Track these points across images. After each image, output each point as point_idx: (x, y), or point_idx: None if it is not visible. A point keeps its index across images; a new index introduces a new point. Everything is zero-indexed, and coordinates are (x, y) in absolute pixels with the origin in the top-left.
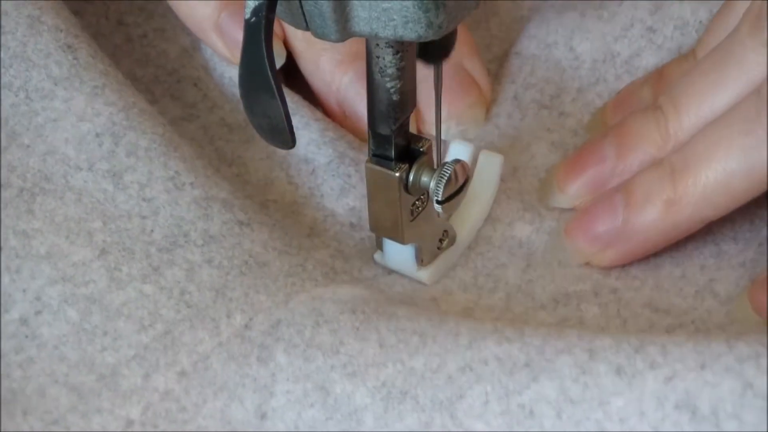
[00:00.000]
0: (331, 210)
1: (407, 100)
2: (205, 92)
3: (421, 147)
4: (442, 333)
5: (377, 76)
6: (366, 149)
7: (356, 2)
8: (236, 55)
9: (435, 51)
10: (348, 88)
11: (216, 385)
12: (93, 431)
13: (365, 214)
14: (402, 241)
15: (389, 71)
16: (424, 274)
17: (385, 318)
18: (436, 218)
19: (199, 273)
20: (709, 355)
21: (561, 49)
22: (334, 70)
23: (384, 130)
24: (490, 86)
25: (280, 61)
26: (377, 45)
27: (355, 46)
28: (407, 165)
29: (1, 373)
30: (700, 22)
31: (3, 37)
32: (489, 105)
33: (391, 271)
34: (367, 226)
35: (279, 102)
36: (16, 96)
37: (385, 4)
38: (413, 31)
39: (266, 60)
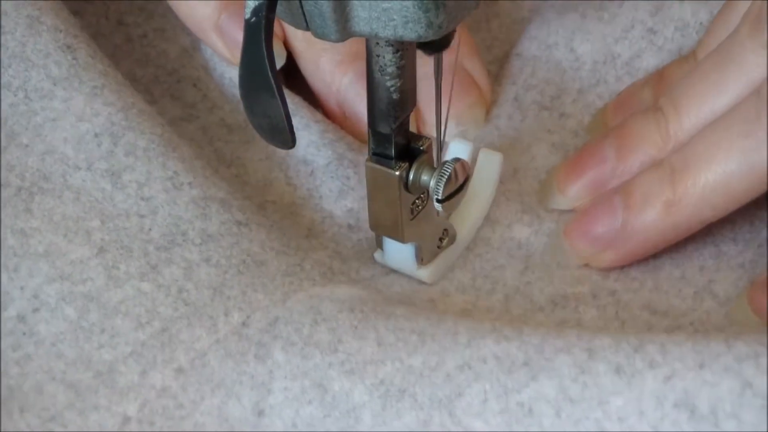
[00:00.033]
0: (330, 211)
1: (407, 98)
2: (204, 92)
3: (421, 146)
4: (440, 332)
5: (377, 75)
6: (365, 151)
7: (356, 2)
8: (236, 56)
9: (434, 42)
10: (348, 89)
11: (213, 382)
12: (90, 428)
13: (363, 215)
14: (402, 240)
15: (389, 70)
16: (424, 273)
17: (383, 317)
18: (436, 217)
19: (197, 271)
20: (708, 355)
21: (562, 50)
22: (334, 71)
23: (384, 128)
24: (491, 87)
25: (280, 61)
26: (377, 44)
27: (355, 46)
28: (407, 164)
29: None
30: (701, 23)
31: (2, 37)
32: (489, 106)
33: (389, 272)
34: (366, 228)
35: (279, 102)
36: (15, 96)
37: (385, 4)
38: (413, 31)
39: (266, 60)
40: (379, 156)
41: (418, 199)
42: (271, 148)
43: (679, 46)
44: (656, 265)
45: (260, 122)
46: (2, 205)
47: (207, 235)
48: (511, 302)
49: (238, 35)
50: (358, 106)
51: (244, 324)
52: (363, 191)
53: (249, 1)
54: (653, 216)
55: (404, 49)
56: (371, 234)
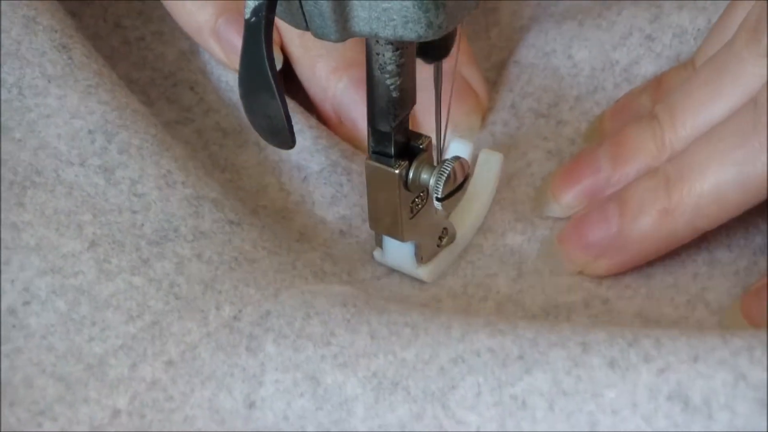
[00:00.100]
0: (322, 217)
1: (407, 97)
2: (201, 96)
3: (421, 144)
4: (434, 326)
5: (377, 73)
6: (358, 158)
7: (356, 2)
8: (233, 60)
9: (434, 50)
10: (343, 94)
11: (204, 374)
12: (80, 422)
13: (356, 222)
14: (401, 239)
15: (389, 68)
16: (424, 272)
17: (376, 311)
18: (436, 216)
19: (189, 266)
20: (703, 349)
21: (559, 57)
22: (330, 76)
23: (384, 127)
24: (487, 94)
25: (277, 66)
26: (377, 42)
27: (351, 52)
28: (407, 162)
29: None
30: (699, 30)
31: None
32: (486, 113)
33: (381, 276)
34: (358, 234)
35: (279, 102)
36: (9, 92)
37: (385, 4)
38: (413, 31)
39: (266, 60)
40: (378, 154)
41: (417, 197)
42: (265, 153)
43: (677, 52)
44: (649, 273)
45: (260, 122)
46: None
47: (199, 233)
48: (502, 310)
49: (235, 39)
50: (353, 112)
51: (235, 317)
52: (356, 198)
53: (249, 1)
54: (648, 224)
55: (404, 48)
56: (363, 239)
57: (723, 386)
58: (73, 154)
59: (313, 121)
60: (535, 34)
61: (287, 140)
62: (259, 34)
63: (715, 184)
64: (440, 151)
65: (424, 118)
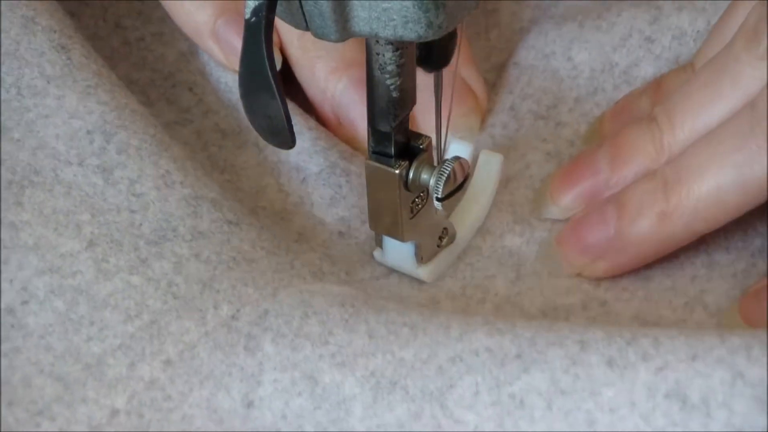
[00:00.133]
0: (321, 219)
1: (407, 97)
2: (200, 97)
3: (421, 144)
4: (432, 325)
5: (377, 73)
6: (357, 159)
7: (356, 2)
8: (232, 61)
9: (434, 58)
10: (342, 95)
11: (202, 374)
12: (78, 421)
13: (355, 224)
14: (402, 239)
15: (389, 68)
16: (424, 272)
17: (374, 311)
18: (436, 216)
19: (187, 266)
20: (701, 347)
21: (559, 59)
22: (329, 77)
23: (384, 127)
24: (487, 95)
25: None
26: (377, 42)
27: (350, 53)
28: (407, 162)
29: None
30: (698, 32)
31: None
32: (485, 114)
33: (379, 277)
34: (356, 235)
35: (279, 102)
36: (8, 92)
37: (385, 4)
38: (413, 31)
39: (266, 60)
40: (378, 154)
41: (417, 197)
42: (264, 154)
43: (677, 54)
44: (647, 275)
45: (260, 122)
46: None
47: (198, 232)
48: (501, 312)
49: (234, 40)
50: (352, 113)
51: (233, 317)
52: (354, 200)
53: (249, 1)
54: (646, 227)
55: (404, 48)
56: (362, 240)
57: (721, 384)
58: (72, 154)
59: (312, 122)
60: (534, 36)
61: (287, 140)
62: (259, 34)
63: (713, 186)
64: (440, 155)
65: (423, 118)
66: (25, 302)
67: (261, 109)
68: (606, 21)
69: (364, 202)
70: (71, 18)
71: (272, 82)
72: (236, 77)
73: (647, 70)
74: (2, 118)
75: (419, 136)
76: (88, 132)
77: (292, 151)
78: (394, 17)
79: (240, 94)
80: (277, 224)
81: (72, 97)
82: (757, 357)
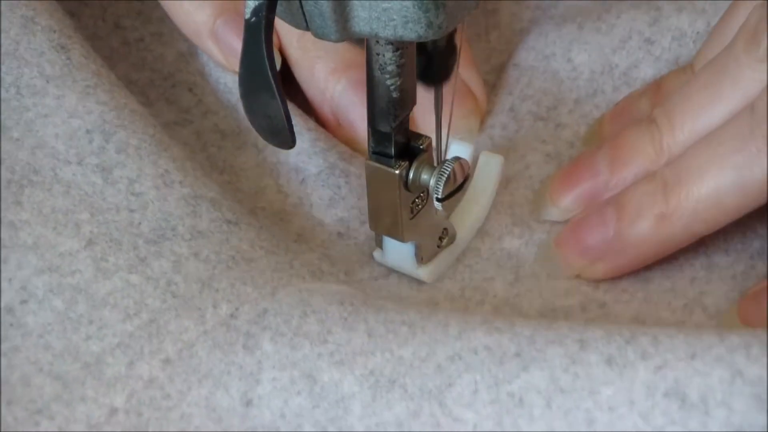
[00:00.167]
0: (320, 220)
1: (407, 97)
2: (200, 97)
3: (421, 144)
4: (431, 324)
5: (377, 73)
6: (356, 160)
7: (356, 2)
8: (231, 62)
9: (435, 73)
10: (341, 96)
11: (201, 372)
12: (77, 420)
13: (354, 224)
14: (402, 239)
15: (389, 68)
16: (424, 272)
17: (373, 309)
18: (436, 216)
19: (186, 265)
20: (700, 346)
21: (559, 60)
22: (328, 78)
23: (384, 127)
24: (486, 97)
25: None
26: (377, 42)
27: (349, 54)
28: (407, 162)
29: None
30: (698, 33)
31: None
32: (485, 116)
33: (378, 277)
34: (356, 236)
35: (279, 102)
36: (7, 92)
37: (385, 4)
38: (413, 31)
39: (266, 60)
40: (379, 155)
41: (417, 198)
42: (263, 155)
43: (676, 55)
44: (647, 277)
45: (260, 122)
46: None
47: (197, 232)
48: (499, 314)
49: (234, 41)
50: (352, 114)
51: (232, 315)
52: (354, 200)
53: (249, 1)
54: (645, 228)
55: (404, 48)
56: (361, 241)
57: (720, 383)
58: (71, 153)
59: (312, 123)
60: (534, 37)
61: (287, 140)
62: (259, 34)
63: (713, 188)
64: (440, 156)
65: (423, 119)
66: (24, 301)
67: (261, 109)
68: (606, 23)
69: (364, 203)
70: (71, 18)
71: (272, 82)
72: (236, 78)
73: (647, 72)
74: (2, 117)
75: (419, 136)
76: (88, 131)
77: (291, 152)
78: (394, 17)
79: (240, 94)
80: (276, 225)
81: (71, 97)
82: (757, 356)
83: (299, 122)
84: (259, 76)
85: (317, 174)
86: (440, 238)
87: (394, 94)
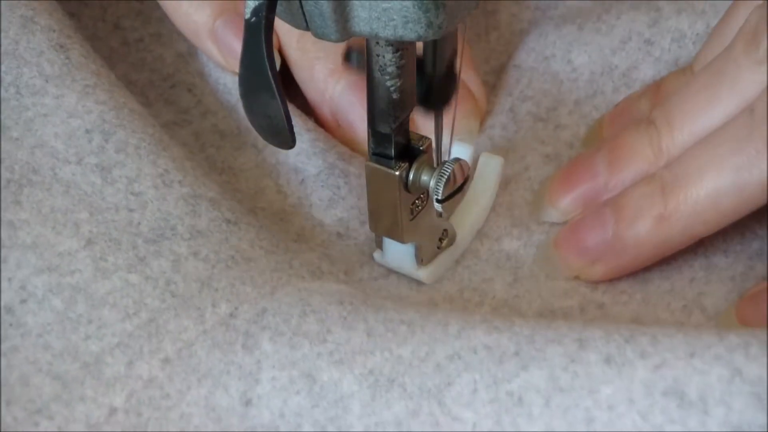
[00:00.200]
0: (320, 220)
1: (407, 98)
2: (199, 98)
3: (421, 145)
4: (430, 323)
5: (377, 75)
6: (356, 161)
7: (356, 2)
8: (231, 62)
9: (435, 99)
10: (341, 97)
11: (200, 372)
12: (77, 420)
13: (353, 225)
14: (402, 240)
15: (389, 70)
16: (424, 273)
17: (373, 309)
18: (436, 217)
19: (185, 265)
20: (699, 345)
21: (559, 61)
22: (327, 79)
23: (384, 128)
24: (486, 97)
25: None
26: (377, 43)
27: None
28: (407, 164)
29: None
30: (697, 34)
31: None
32: (484, 116)
33: (377, 277)
34: (355, 236)
35: (279, 102)
36: (6, 91)
37: (385, 4)
38: (413, 31)
39: (266, 60)
40: (379, 156)
41: (417, 199)
42: (262, 155)
43: (676, 57)
44: (645, 278)
45: (260, 122)
46: None
47: (196, 231)
48: (498, 315)
49: (233, 42)
50: (351, 115)
51: (231, 315)
52: (353, 201)
53: (249, 1)
54: (644, 230)
55: (404, 49)
56: (361, 242)
57: (719, 382)
58: (70, 152)
59: (311, 123)
60: (534, 38)
61: (287, 140)
62: (259, 34)
63: (711, 190)
64: (440, 157)
65: (423, 120)
66: (23, 301)
67: (261, 109)
68: (605, 24)
69: (363, 203)
70: (70, 18)
71: (272, 81)
72: (235, 78)
73: (647, 73)
74: (1, 117)
75: (419, 137)
76: (87, 131)
77: (290, 153)
78: (394, 17)
79: (240, 94)
80: (276, 225)
81: (71, 97)
82: (756, 354)
83: (299, 123)
84: (259, 76)
85: (317, 174)
86: (440, 240)
87: (394, 96)
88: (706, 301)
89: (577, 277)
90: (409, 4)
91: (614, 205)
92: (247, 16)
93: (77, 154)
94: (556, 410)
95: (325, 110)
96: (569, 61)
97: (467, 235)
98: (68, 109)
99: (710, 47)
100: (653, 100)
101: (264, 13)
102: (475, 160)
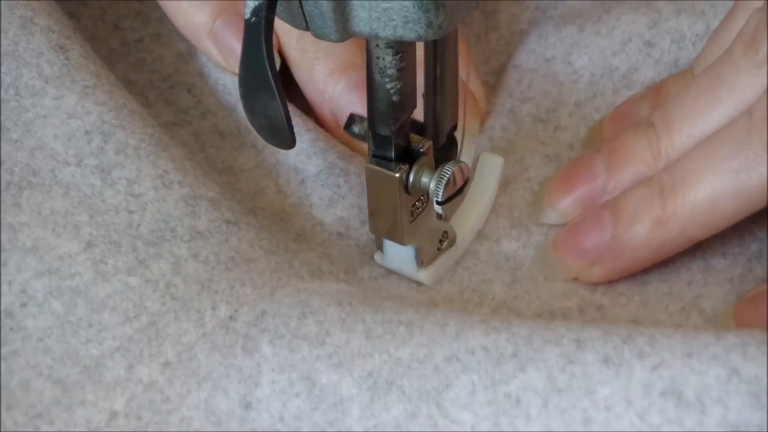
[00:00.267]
0: (320, 220)
1: (407, 100)
2: (198, 98)
3: (421, 147)
4: (429, 324)
5: (377, 77)
6: (356, 160)
7: (356, 2)
8: (230, 63)
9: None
10: (340, 97)
11: (200, 375)
12: (77, 424)
13: (354, 224)
14: (402, 242)
15: (389, 72)
16: (424, 275)
17: (371, 309)
18: (436, 219)
19: (185, 267)
20: (697, 345)
21: (559, 63)
22: (327, 79)
23: (384, 130)
24: (486, 98)
25: None
26: (377, 46)
27: (348, 54)
28: (407, 166)
29: None
30: (697, 35)
31: None
32: (484, 117)
33: (378, 277)
34: (355, 236)
35: (279, 102)
36: (6, 92)
37: (385, 4)
38: (413, 31)
39: (266, 60)
40: (379, 158)
41: (418, 201)
42: (262, 155)
43: (676, 58)
44: (644, 280)
45: (260, 122)
46: None
47: (196, 232)
48: (497, 316)
49: (233, 42)
50: None
51: (231, 317)
52: (353, 200)
53: (249, 1)
54: (642, 232)
55: (404, 51)
56: (362, 242)
57: (716, 381)
58: (70, 154)
59: (311, 123)
60: (534, 39)
61: (287, 140)
62: (259, 34)
63: (710, 193)
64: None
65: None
66: (23, 304)
67: (261, 109)
68: (606, 25)
69: (363, 202)
70: (70, 19)
71: (272, 81)
72: (235, 79)
73: (647, 74)
74: (1, 118)
75: (419, 139)
76: (87, 132)
77: (290, 153)
78: (394, 17)
79: (240, 94)
80: (276, 225)
81: (70, 98)
82: (754, 354)
83: (298, 123)
84: (259, 76)
85: (317, 174)
86: (440, 241)
87: (395, 98)
88: (704, 304)
89: (575, 279)
90: (409, 4)
91: (613, 207)
92: (247, 16)
93: (77, 156)
94: (554, 411)
95: (325, 110)
96: (569, 63)
97: (467, 236)
98: (68, 110)
99: (710, 50)
100: (653, 103)
101: (264, 13)
102: (475, 160)
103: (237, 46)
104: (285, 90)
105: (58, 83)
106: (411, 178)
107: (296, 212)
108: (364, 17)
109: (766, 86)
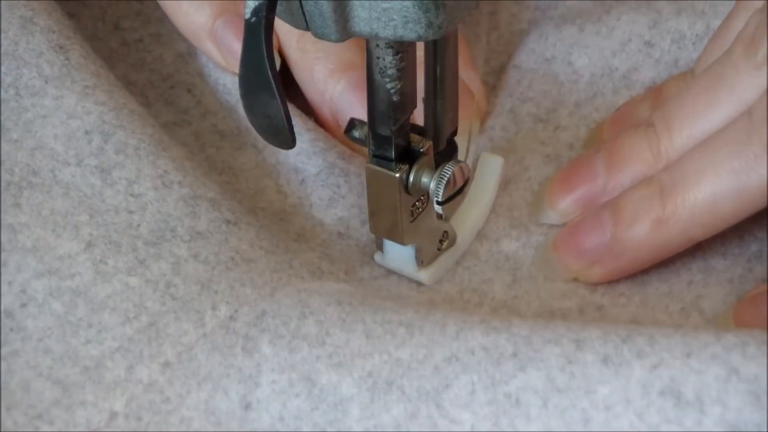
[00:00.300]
0: (320, 220)
1: (407, 100)
2: (198, 98)
3: (421, 147)
4: (428, 324)
5: (377, 77)
6: (356, 160)
7: (356, 2)
8: (230, 63)
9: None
10: (340, 97)
11: (200, 375)
12: (77, 425)
13: (354, 224)
14: (402, 242)
15: (389, 72)
16: (424, 275)
17: (371, 309)
18: (436, 219)
19: (185, 267)
20: (697, 345)
21: (559, 63)
22: (327, 79)
23: (384, 131)
24: (486, 98)
25: None
26: (377, 46)
27: (348, 54)
28: (407, 166)
29: None
30: (697, 35)
31: None
32: (484, 117)
33: (378, 277)
34: (356, 236)
35: (279, 102)
36: (6, 92)
37: (385, 4)
38: (413, 31)
39: (266, 60)
40: (379, 158)
41: (418, 201)
42: (262, 155)
43: (676, 58)
44: (644, 280)
45: (260, 122)
46: None
47: (196, 233)
48: (497, 316)
49: (233, 42)
50: (351, 115)
51: (231, 318)
52: (353, 200)
53: (249, 1)
54: (642, 233)
55: (404, 52)
56: (362, 242)
57: (715, 381)
58: (70, 154)
59: (311, 123)
60: (534, 39)
61: (287, 140)
62: (259, 34)
63: (710, 193)
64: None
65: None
66: (23, 305)
67: (261, 109)
68: (606, 25)
69: (363, 202)
70: (70, 19)
71: (272, 81)
72: (235, 79)
73: (647, 75)
74: (1, 118)
75: (419, 139)
76: (87, 132)
77: (290, 153)
78: (394, 17)
79: (240, 94)
80: (276, 225)
81: (70, 98)
82: (753, 354)
83: (298, 123)
84: (259, 76)
85: (317, 174)
86: (440, 241)
87: (395, 98)
88: (704, 304)
89: (575, 279)
90: (409, 4)
91: (613, 207)
92: (247, 16)
93: (77, 156)
94: (554, 411)
95: (325, 110)
96: (569, 63)
97: (467, 236)
98: (68, 111)
99: (711, 51)
100: (654, 104)
101: (264, 13)
102: (475, 161)
103: (237, 46)
104: (285, 90)
105: (58, 83)
106: (411, 178)
107: (296, 212)
108: (364, 17)
109: (766, 87)
